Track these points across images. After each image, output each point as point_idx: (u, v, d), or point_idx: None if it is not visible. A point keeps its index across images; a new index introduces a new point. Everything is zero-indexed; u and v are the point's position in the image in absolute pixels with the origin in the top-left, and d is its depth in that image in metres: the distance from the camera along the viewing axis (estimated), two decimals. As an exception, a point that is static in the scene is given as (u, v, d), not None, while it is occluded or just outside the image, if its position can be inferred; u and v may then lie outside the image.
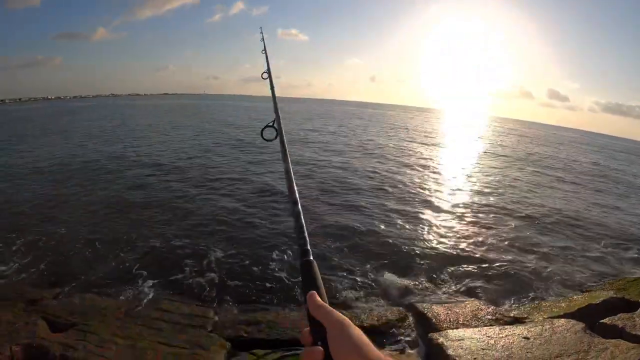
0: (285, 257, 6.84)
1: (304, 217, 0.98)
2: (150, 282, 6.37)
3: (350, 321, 0.67)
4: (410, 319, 5.37)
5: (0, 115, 57.44)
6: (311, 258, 0.84)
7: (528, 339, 4.08)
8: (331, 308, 0.70)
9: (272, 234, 8.19)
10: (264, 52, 3.47)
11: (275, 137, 1.51)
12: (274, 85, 2.21)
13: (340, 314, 0.68)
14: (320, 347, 0.66)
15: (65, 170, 14.43)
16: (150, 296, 5.91)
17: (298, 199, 1.05)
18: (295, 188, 1.10)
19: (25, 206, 10.34)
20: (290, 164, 1.21)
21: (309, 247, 0.88)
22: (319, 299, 0.72)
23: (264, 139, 1.56)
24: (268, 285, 6.26)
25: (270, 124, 1.62)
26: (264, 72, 2.89)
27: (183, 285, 6.34)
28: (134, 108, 67.05)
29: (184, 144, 21.37)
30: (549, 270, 7.43)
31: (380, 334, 5.02)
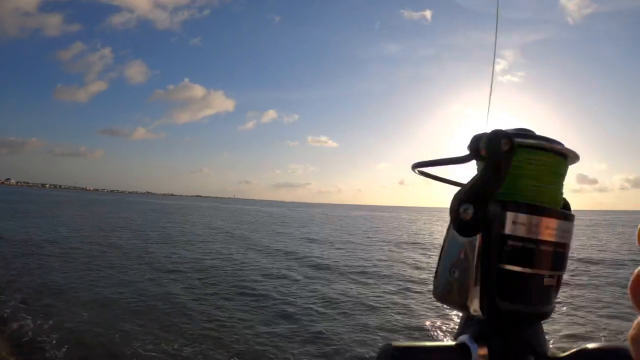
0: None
1: None
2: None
3: None
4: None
5: (43, 198, 60.90)
6: None
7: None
8: None
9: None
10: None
11: None
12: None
13: None
14: None
15: (91, 256, 13.80)
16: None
17: None
18: None
19: (52, 287, 9.71)
20: None
21: None
22: None
23: None
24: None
25: None
26: None
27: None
28: (168, 208, 65.17)
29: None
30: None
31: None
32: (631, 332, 0.26)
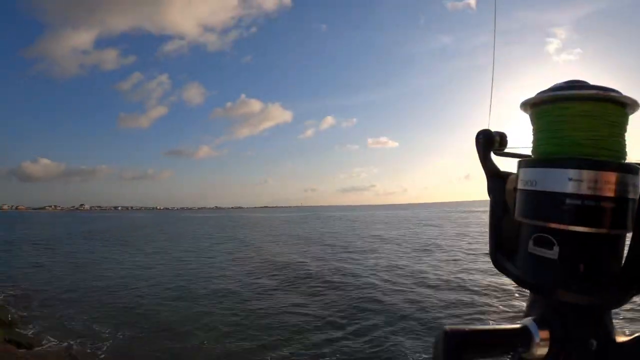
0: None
1: None
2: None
3: None
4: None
5: (117, 220, 66.28)
6: None
7: None
8: None
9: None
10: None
11: None
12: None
13: None
14: None
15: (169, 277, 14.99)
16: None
17: None
18: None
19: (140, 306, 10.57)
20: None
21: None
22: None
23: None
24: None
25: None
26: None
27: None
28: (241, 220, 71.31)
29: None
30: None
31: None
32: None
